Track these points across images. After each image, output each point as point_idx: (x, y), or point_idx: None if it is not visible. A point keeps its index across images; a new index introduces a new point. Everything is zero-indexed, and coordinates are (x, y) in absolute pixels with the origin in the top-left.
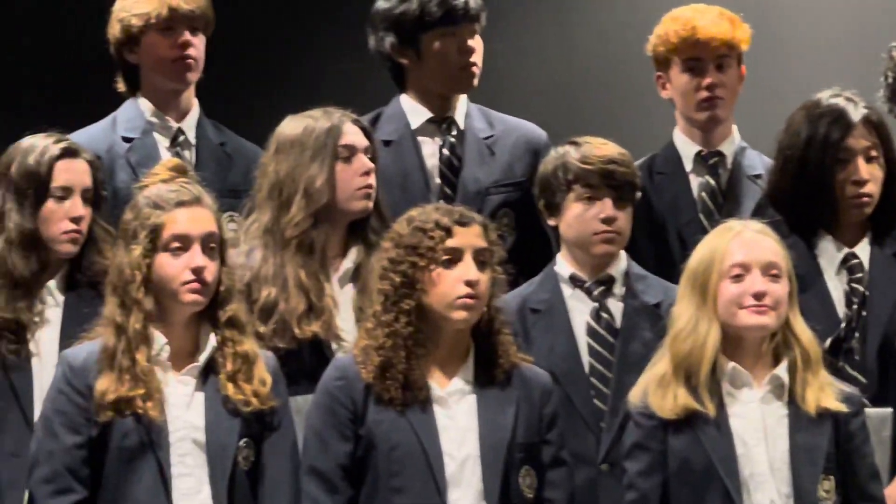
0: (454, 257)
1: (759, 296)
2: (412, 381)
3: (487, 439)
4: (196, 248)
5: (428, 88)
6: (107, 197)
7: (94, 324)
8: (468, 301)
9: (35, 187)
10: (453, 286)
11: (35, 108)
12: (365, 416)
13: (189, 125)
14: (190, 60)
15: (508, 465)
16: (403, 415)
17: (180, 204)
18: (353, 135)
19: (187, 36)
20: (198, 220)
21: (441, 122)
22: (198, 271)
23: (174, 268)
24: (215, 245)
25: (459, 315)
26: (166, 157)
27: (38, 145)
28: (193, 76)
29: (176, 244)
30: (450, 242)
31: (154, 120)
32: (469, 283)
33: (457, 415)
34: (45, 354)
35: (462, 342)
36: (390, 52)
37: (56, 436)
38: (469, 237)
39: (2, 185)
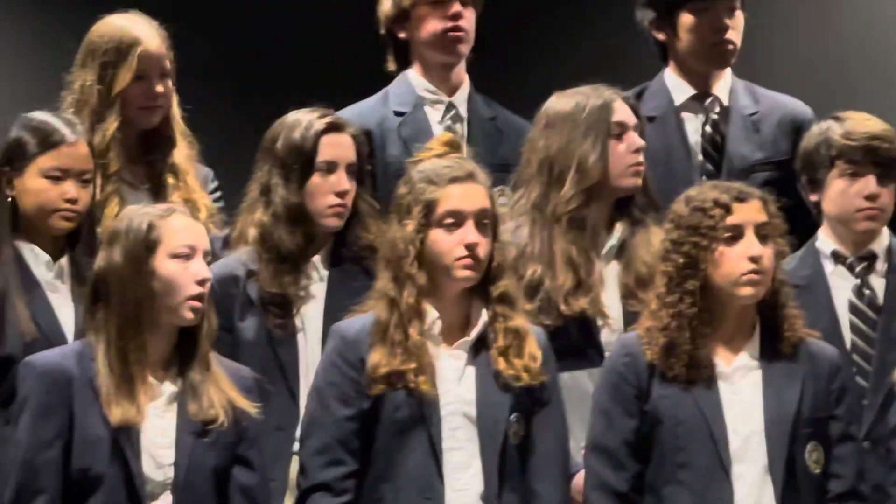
0: (736, 234)
1: None
2: (697, 360)
3: (772, 414)
4: (469, 224)
5: (687, 65)
6: (373, 171)
7: (361, 298)
8: (753, 277)
9: (301, 162)
10: (737, 263)
11: (305, 84)
12: (650, 392)
13: (460, 99)
14: (461, 32)
15: (793, 440)
16: (688, 391)
17: (454, 180)
18: (623, 112)
19: (458, 7)
20: (471, 196)
21: (703, 97)
22: (471, 247)
23: (447, 243)
24: (488, 221)
25: (746, 291)
26: (437, 131)
27: (303, 120)
28: (464, 48)
29: (449, 220)
30: (730, 220)
31: (426, 94)
32: (753, 259)
33: (742, 390)
34: (310, 329)
35: (748, 317)
36: (650, 28)
37: (328, 408)
38: (749, 212)
39: (268, 159)
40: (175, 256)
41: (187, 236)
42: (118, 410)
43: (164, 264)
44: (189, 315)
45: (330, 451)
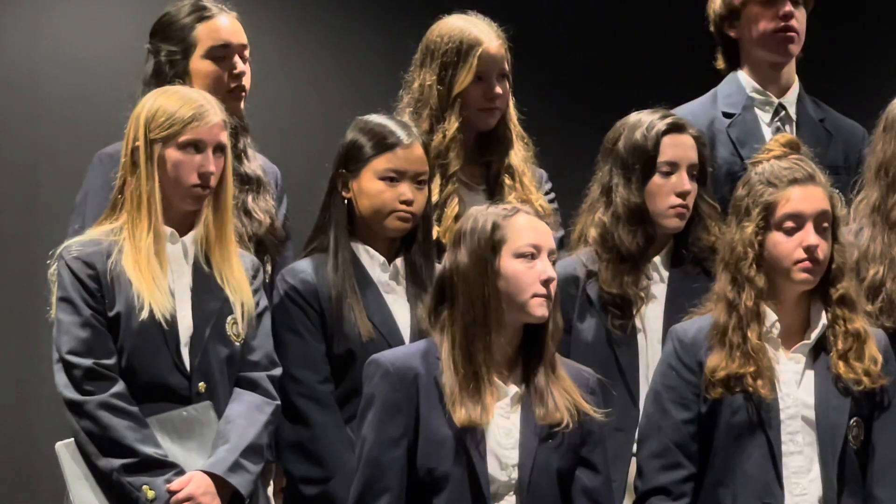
0: None
1: None
2: None
3: None
4: (809, 227)
5: None
6: (712, 172)
7: (701, 299)
8: None
9: (642, 162)
10: None
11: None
12: None
13: (790, 100)
14: (792, 33)
15: None
16: None
17: (794, 181)
18: None
19: (789, 7)
20: (812, 198)
21: None
22: (811, 250)
23: (787, 246)
24: (828, 223)
25: None
26: (767, 132)
27: (644, 120)
28: (795, 48)
29: (789, 222)
30: None
31: (755, 95)
32: None
33: None
34: (650, 330)
35: None
36: None
37: (666, 411)
38: None
39: (609, 159)
40: (520, 256)
41: (532, 235)
42: (462, 411)
43: (509, 263)
44: (538, 312)
45: (668, 454)
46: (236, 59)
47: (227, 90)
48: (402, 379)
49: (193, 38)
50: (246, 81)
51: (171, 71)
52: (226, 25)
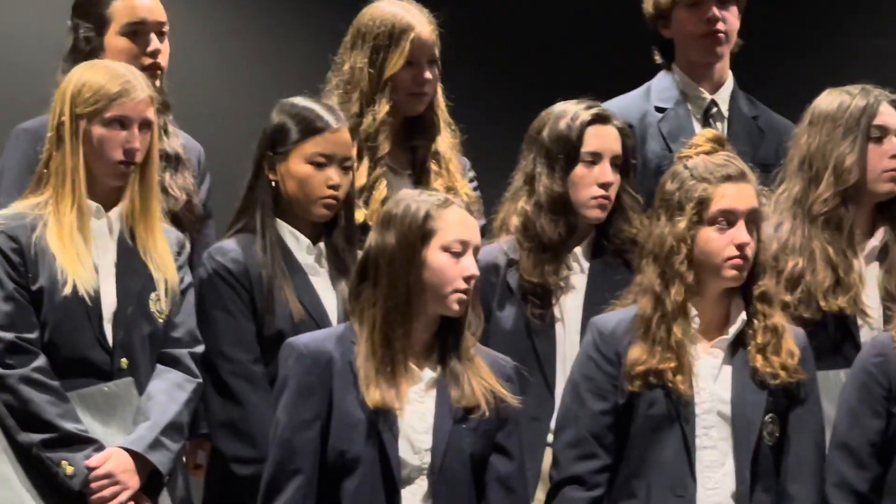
0: None
1: None
2: None
3: None
4: (741, 224)
5: None
6: (636, 165)
7: (621, 291)
8: None
9: (566, 152)
10: None
11: (572, 76)
12: None
13: (722, 97)
14: (720, 35)
15: None
16: None
17: (728, 178)
18: (888, 115)
19: (715, 11)
20: (744, 195)
21: None
22: (742, 247)
23: (719, 243)
24: (756, 221)
25: None
26: (698, 128)
27: (569, 110)
28: (724, 49)
29: (722, 219)
30: None
31: (687, 91)
32: None
33: None
34: (569, 321)
35: None
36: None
37: (583, 401)
38: None
39: (533, 148)
40: (447, 250)
41: (462, 231)
42: (377, 393)
43: (435, 256)
44: (455, 307)
45: (583, 444)
46: (152, 36)
47: (141, 68)
48: (316, 362)
49: (109, 15)
50: (162, 60)
51: (87, 47)
52: (142, 2)
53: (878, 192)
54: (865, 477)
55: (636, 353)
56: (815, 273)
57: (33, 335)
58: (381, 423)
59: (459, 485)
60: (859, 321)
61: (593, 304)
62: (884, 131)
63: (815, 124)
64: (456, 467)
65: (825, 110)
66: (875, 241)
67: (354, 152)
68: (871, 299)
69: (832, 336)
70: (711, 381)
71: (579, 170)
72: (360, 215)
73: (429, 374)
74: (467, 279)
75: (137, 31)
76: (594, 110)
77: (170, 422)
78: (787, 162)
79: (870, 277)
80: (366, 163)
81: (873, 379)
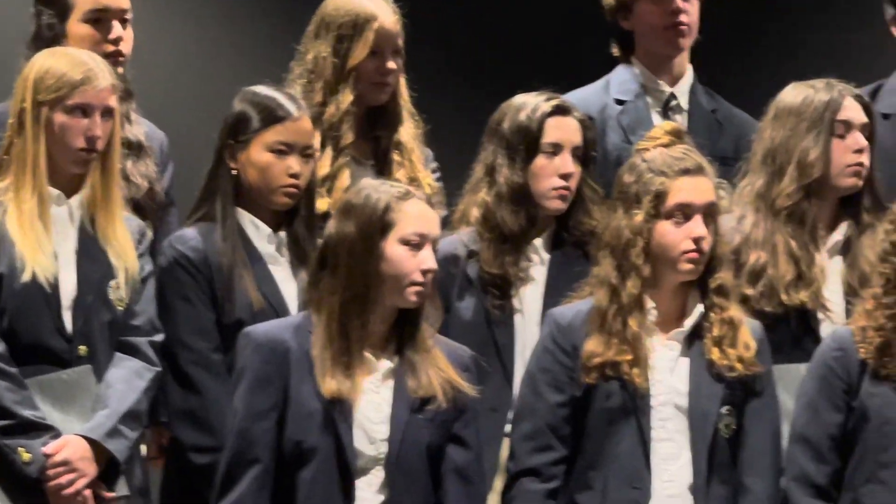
0: None
1: None
2: None
3: None
4: (698, 218)
5: None
6: (596, 157)
7: (580, 283)
8: None
9: (526, 143)
10: None
11: (532, 68)
12: (859, 389)
13: (682, 90)
14: (683, 27)
15: None
16: None
17: (685, 172)
18: (851, 110)
19: (679, 2)
20: (701, 189)
21: None
22: (698, 241)
23: (676, 236)
24: (713, 215)
25: None
26: (657, 121)
27: (529, 102)
28: (686, 42)
29: (679, 213)
30: None
31: (647, 84)
32: None
33: None
34: (528, 312)
35: None
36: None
37: (540, 394)
38: None
39: (493, 140)
40: (406, 243)
41: (421, 224)
42: (333, 382)
43: (394, 248)
44: (413, 300)
45: (540, 436)
46: (115, 23)
47: (104, 55)
48: (273, 351)
49: (72, 1)
50: (125, 47)
51: (49, 34)
52: None
53: (841, 186)
54: (825, 471)
55: (592, 345)
56: (777, 267)
57: None
58: (337, 413)
59: (416, 475)
60: (820, 315)
61: (553, 296)
62: (848, 126)
63: (779, 118)
64: (412, 458)
65: (789, 104)
66: (838, 235)
67: (317, 141)
68: (834, 294)
69: (793, 330)
70: (668, 373)
71: (540, 161)
72: (322, 204)
73: (386, 364)
74: (425, 272)
75: (100, 19)
76: (554, 101)
77: (128, 410)
78: (751, 155)
79: (833, 272)
80: (329, 152)
81: (833, 373)
